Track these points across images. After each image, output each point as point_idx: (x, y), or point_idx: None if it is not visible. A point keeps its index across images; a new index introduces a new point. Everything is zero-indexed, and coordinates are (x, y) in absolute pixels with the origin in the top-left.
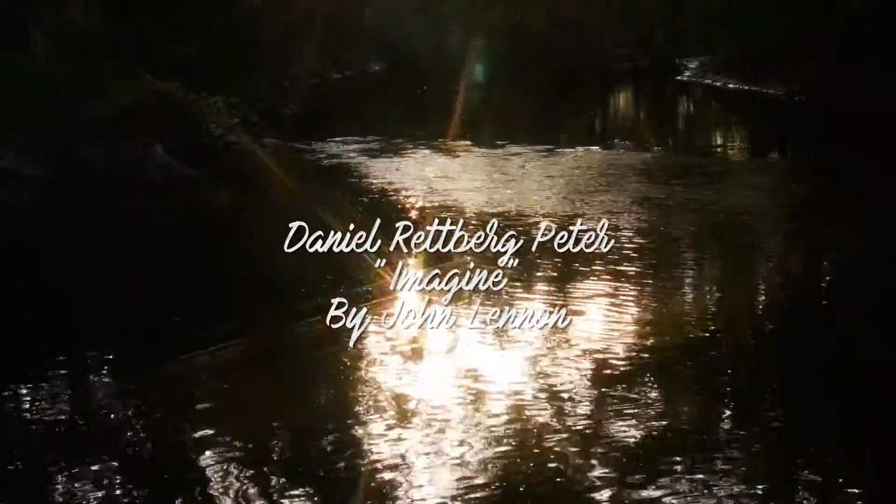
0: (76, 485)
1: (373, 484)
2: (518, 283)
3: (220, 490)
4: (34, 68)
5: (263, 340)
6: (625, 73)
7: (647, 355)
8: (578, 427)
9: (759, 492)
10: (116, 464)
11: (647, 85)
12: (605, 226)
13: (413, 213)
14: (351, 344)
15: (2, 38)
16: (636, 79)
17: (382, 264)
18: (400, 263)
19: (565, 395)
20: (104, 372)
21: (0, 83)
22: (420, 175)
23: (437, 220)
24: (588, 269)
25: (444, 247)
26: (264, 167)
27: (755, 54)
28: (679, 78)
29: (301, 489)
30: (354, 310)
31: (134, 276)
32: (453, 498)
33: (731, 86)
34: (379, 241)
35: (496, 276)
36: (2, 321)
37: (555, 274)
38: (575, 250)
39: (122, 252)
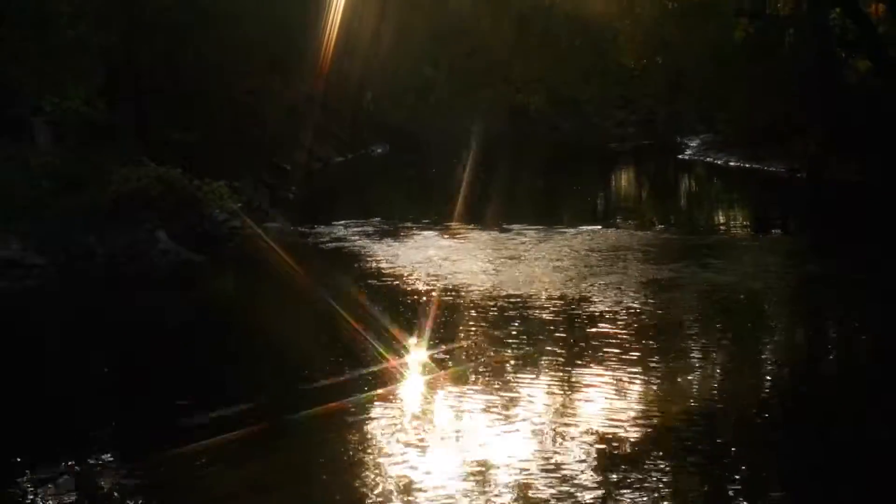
0: None
1: None
2: (524, 364)
3: None
4: (37, 158)
5: (270, 424)
6: (626, 152)
7: (653, 435)
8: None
9: None
10: None
11: (649, 164)
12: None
13: (417, 296)
14: (357, 426)
15: (5, 128)
16: (638, 157)
17: (387, 347)
18: (405, 345)
19: (571, 475)
20: (110, 460)
21: (3, 173)
22: (424, 257)
23: (441, 303)
24: (594, 349)
25: (448, 329)
26: (268, 251)
27: (756, 132)
28: (680, 156)
29: None
30: (360, 392)
31: (138, 362)
32: None
33: (732, 163)
34: (384, 325)
35: (501, 357)
36: (5, 411)
37: (561, 354)
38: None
39: (125, 339)
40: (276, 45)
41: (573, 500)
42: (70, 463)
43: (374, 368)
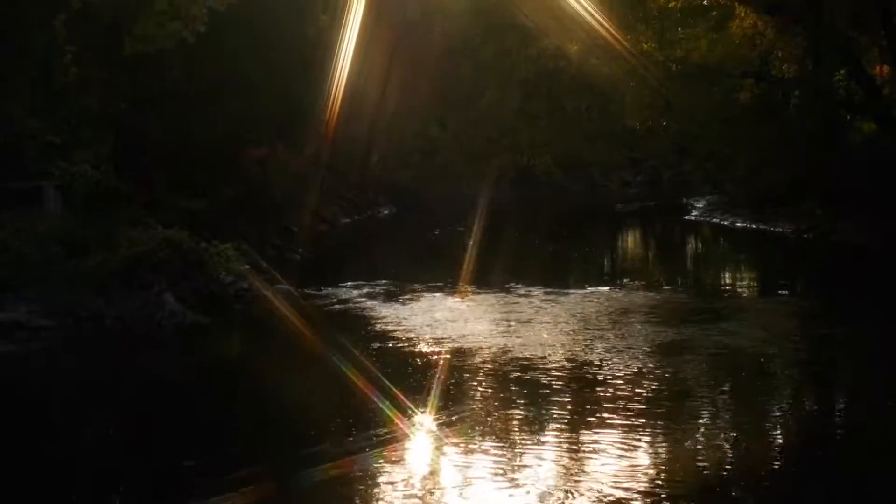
0: None
1: None
2: (532, 427)
3: None
4: (46, 222)
5: (276, 487)
6: (632, 213)
7: (661, 498)
8: None
9: None
10: None
11: (655, 224)
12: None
13: (425, 359)
14: (364, 490)
15: (14, 196)
16: (644, 218)
17: (395, 409)
18: (413, 408)
19: None
20: None
21: (12, 237)
22: (431, 319)
23: (450, 365)
24: (603, 413)
25: (456, 391)
26: (275, 313)
27: (762, 193)
28: (687, 217)
29: None
30: (368, 455)
31: (142, 425)
32: None
33: (738, 224)
34: (392, 387)
35: (509, 420)
36: (12, 471)
37: (569, 417)
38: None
39: (131, 401)
40: (284, 111)
41: None
42: None
43: (383, 431)
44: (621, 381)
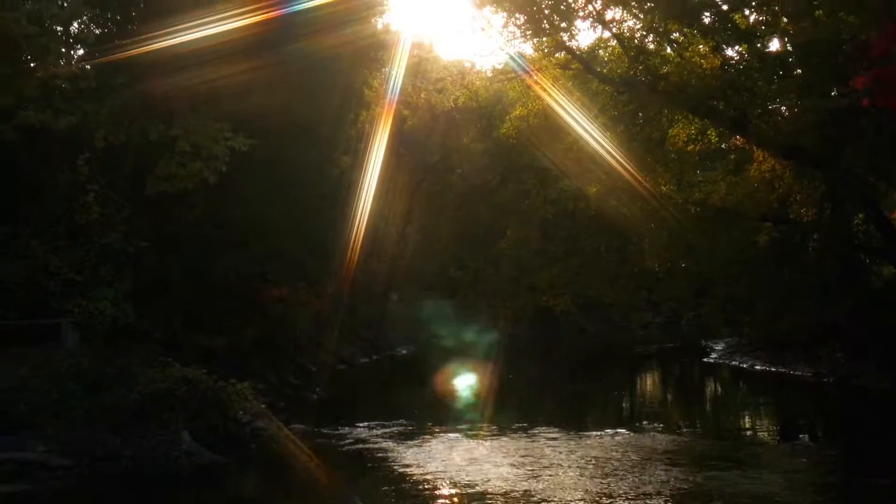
0: None
1: None
2: None
3: None
4: (64, 360)
5: None
6: (651, 355)
7: None
8: None
9: None
10: None
11: (674, 366)
12: None
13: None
14: None
15: (36, 331)
16: (663, 360)
17: None
18: None
19: None
20: None
21: (32, 375)
22: (450, 462)
23: None
24: None
25: None
26: (291, 453)
27: (781, 337)
28: (706, 360)
29: None
30: None
31: None
32: None
33: (758, 367)
34: None
35: None
36: None
37: None
38: None
39: None
40: (304, 251)
41: None
42: None
43: None
44: None
